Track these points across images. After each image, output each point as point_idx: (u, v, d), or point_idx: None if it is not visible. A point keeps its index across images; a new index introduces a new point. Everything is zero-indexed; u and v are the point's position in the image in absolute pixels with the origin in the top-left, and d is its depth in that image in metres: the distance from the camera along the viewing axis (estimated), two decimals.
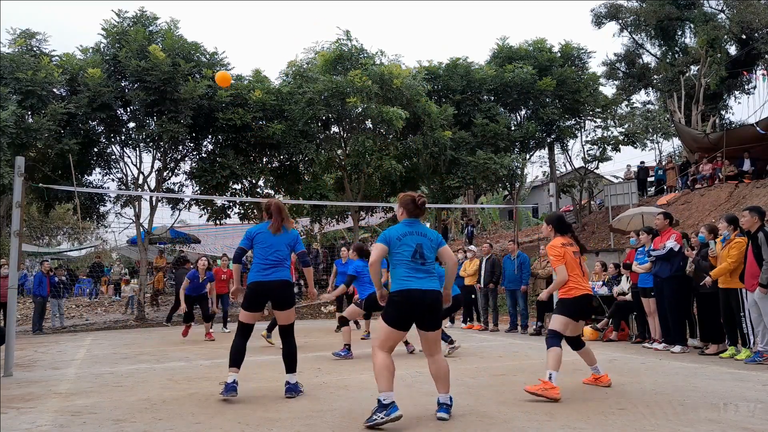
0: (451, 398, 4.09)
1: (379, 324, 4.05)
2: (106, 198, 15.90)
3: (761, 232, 6.22)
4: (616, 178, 27.16)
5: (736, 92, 27.88)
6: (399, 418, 3.83)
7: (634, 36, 28.92)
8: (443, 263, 4.27)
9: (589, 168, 20.91)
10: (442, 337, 6.95)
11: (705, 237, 7.18)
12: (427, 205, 4.26)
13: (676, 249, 7.36)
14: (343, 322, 7.54)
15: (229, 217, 17.48)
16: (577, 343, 5.07)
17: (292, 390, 4.90)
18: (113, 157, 15.52)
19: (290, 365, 4.98)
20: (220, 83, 9.72)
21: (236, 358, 4.87)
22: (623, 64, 29.50)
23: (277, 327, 6.63)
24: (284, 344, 5.04)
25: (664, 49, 28.40)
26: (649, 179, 22.36)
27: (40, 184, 11.60)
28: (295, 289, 17.49)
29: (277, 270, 4.94)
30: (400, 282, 4.01)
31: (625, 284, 9.06)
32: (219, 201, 16.21)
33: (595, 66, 45.33)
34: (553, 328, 4.85)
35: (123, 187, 15.48)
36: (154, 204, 15.46)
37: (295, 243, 5.11)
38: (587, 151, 20.06)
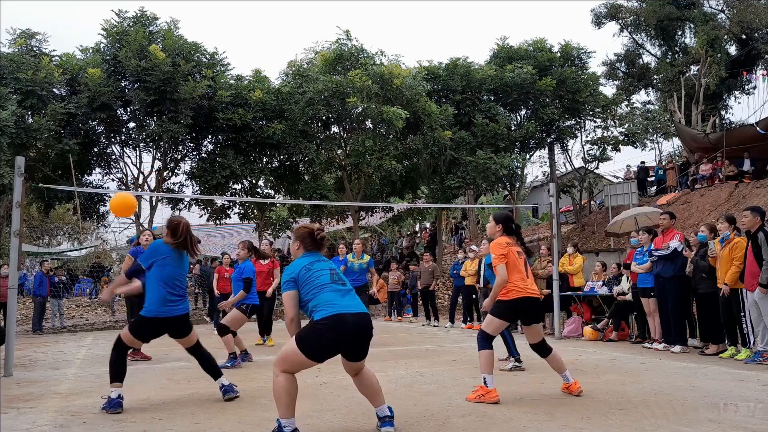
0: (390, 408, 3.64)
1: (290, 348, 3.40)
2: (106, 198, 15.92)
3: (761, 232, 6.22)
4: (616, 178, 27.16)
5: (736, 92, 27.88)
6: None
7: (634, 36, 28.93)
8: None
9: (589, 168, 20.91)
10: (511, 351, 6.31)
11: (706, 236, 7.18)
12: (325, 240, 3.75)
13: (680, 249, 7.38)
14: (223, 331, 6.63)
15: (229, 217, 17.51)
16: (542, 350, 4.67)
17: (229, 391, 4.67)
18: (113, 157, 15.55)
19: (214, 372, 4.73)
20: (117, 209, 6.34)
21: (119, 372, 4.44)
22: (623, 64, 29.51)
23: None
24: (199, 359, 4.74)
25: (664, 49, 28.41)
26: (649, 179, 22.36)
27: (40, 184, 11.62)
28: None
29: (184, 300, 4.59)
30: (328, 307, 3.38)
31: (625, 284, 9.05)
32: (219, 201, 16.22)
33: (595, 66, 45.32)
34: (484, 329, 4.62)
35: (123, 187, 15.50)
36: (154, 204, 15.47)
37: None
38: (587, 151, 20.07)
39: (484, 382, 4.47)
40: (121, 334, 4.53)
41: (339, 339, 3.36)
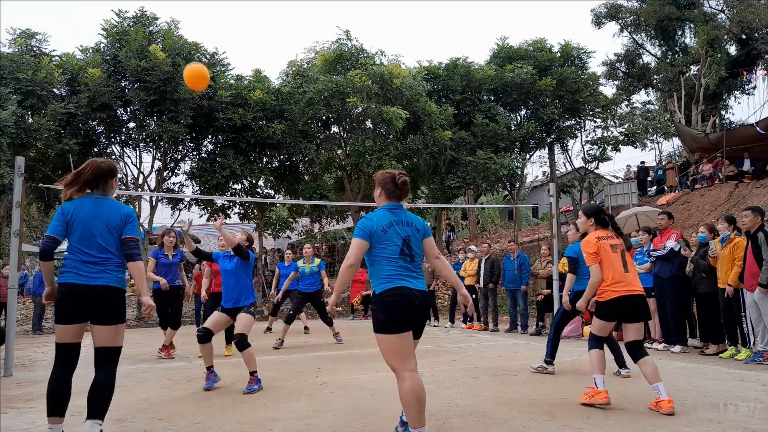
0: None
1: (379, 343, 3.21)
2: None
3: (761, 232, 6.22)
4: (616, 178, 27.17)
5: (736, 92, 27.90)
6: None
7: (634, 36, 28.94)
8: (429, 260, 3.49)
9: (589, 168, 20.91)
10: (547, 353, 5.99)
11: (706, 236, 7.18)
12: (408, 186, 3.48)
13: (677, 249, 7.37)
14: (244, 345, 5.38)
15: (229, 217, 17.50)
16: (635, 352, 4.29)
17: None
18: (113, 157, 15.53)
19: (99, 407, 3.35)
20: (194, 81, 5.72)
21: (57, 402, 3.34)
22: (623, 64, 29.52)
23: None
24: (99, 372, 3.43)
25: (664, 49, 28.42)
26: (649, 179, 22.37)
27: (40, 184, 11.61)
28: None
29: (99, 268, 3.45)
30: (388, 280, 3.21)
31: None
32: (219, 201, 16.22)
33: (595, 66, 45.41)
34: (591, 330, 4.57)
35: (123, 187, 15.49)
36: (154, 204, 15.47)
37: (125, 224, 3.55)
38: (587, 151, 20.07)
39: (595, 383, 4.33)
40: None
41: (401, 309, 3.17)
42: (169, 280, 7.42)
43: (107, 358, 3.44)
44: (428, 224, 3.54)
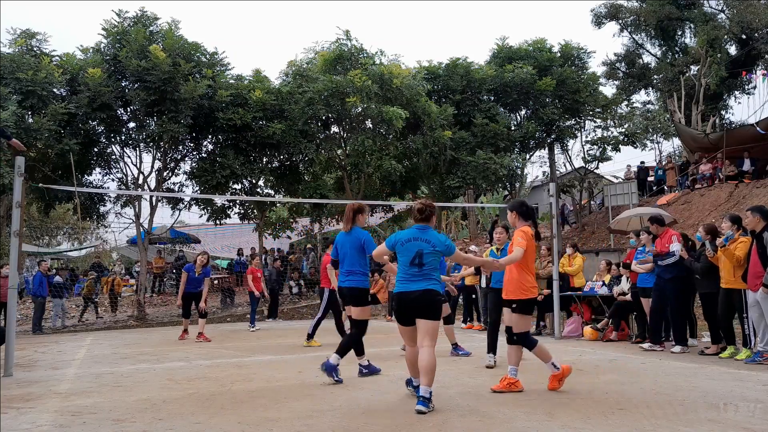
0: (430, 393, 4.19)
1: None
2: (106, 198, 15.89)
3: (767, 231, 6.21)
4: (616, 178, 27.15)
5: (736, 92, 27.89)
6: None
7: (634, 36, 28.95)
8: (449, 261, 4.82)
9: (589, 168, 20.89)
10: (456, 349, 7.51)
11: (702, 237, 7.20)
12: (433, 214, 4.63)
13: (681, 252, 7.38)
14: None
15: (229, 217, 17.51)
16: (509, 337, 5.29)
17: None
18: (113, 157, 15.52)
19: (342, 348, 5.55)
20: None
21: (358, 348, 5.83)
22: (623, 64, 29.51)
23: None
24: (353, 330, 5.72)
25: (664, 49, 28.42)
26: (649, 179, 22.35)
27: (40, 184, 11.60)
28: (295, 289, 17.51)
29: (351, 275, 5.61)
30: (397, 284, 4.52)
31: (625, 284, 9.05)
32: (219, 201, 16.22)
33: (595, 66, 45.24)
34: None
35: (123, 187, 15.48)
36: (154, 204, 15.45)
37: (364, 245, 5.52)
38: (587, 151, 20.05)
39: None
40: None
41: (399, 308, 4.51)
42: (194, 288, 10.16)
43: (356, 326, 5.65)
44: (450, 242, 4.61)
